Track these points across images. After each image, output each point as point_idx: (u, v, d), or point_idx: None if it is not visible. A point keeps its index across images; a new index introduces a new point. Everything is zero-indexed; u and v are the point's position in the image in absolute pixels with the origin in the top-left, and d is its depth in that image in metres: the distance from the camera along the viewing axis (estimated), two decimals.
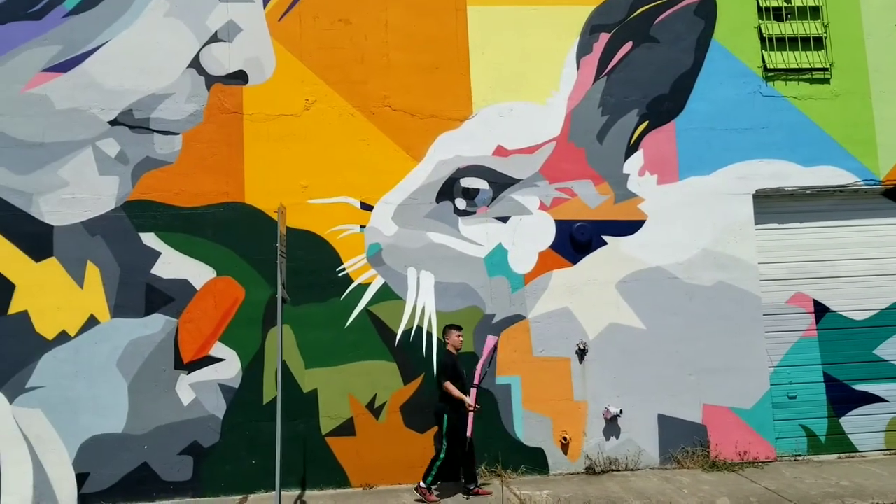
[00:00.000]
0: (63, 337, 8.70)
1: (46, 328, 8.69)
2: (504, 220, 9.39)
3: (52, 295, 8.72)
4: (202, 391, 8.82)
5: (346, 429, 8.95)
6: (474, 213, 9.36)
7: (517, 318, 9.29)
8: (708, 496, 7.85)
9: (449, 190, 9.35)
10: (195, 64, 9.17)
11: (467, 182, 9.39)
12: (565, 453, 9.20)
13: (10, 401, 8.59)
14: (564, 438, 9.17)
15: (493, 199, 9.40)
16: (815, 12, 10.12)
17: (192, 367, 8.84)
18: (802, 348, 9.83)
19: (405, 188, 9.32)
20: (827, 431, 9.74)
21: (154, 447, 8.69)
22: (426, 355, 9.12)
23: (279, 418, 7.69)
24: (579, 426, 9.25)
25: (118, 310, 8.80)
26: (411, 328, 9.14)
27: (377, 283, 9.15)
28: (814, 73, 9.98)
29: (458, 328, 8.61)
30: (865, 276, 10.01)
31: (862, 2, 10.15)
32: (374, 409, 9.00)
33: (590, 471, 9.14)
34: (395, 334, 9.13)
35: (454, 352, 8.50)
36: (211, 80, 9.18)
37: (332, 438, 8.93)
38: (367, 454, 8.93)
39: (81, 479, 8.59)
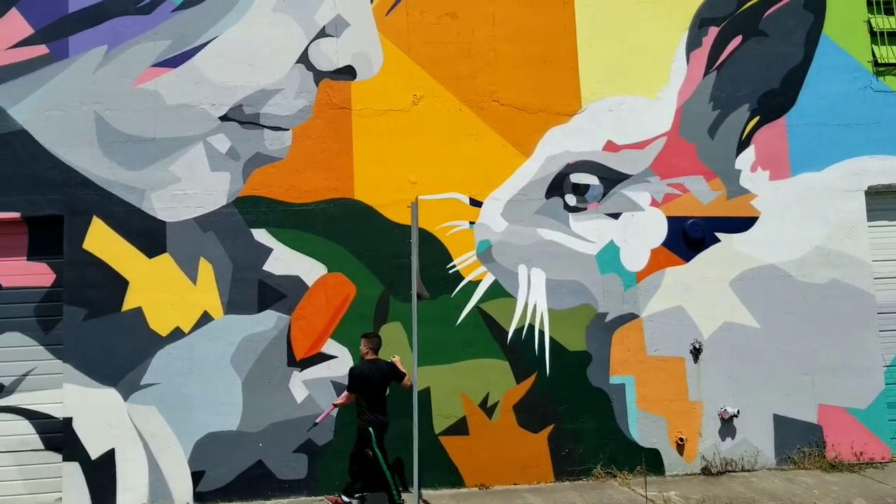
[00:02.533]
0: (177, 333, 9.05)
1: (160, 325, 9.05)
2: (615, 216, 9.69)
3: (165, 291, 9.08)
4: (315, 388, 9.15)
5: (460, 428, 9.26)
6: (585, 209, 9.67)
7: (630, 317, 9.58)
8: (842, 497, 8.11)
9: (559, 186, 9.67)
10: (303, 59, 9.53)
11: (577, 178, 9.70)
12: (681, 454, 9.48)
13: (125, 398, 8.93)
14: (680, 439, 9.45)
15: (604, 195, 9.71)
16: None
17: (304, 363, 9.17)
18: None
19: (514, 184, 9.64)
20: None
21: (268, 445, 9.02)
22: (538, 354, 9.43)
23: (416, 415, 8.03)
24: (695, 426, 9.54)
25: (231, 306, 9.14)
26: (523, 326, 9.45)
27: (488, 280, 9.47)
28: None
29: (365, 336, 8.61)
30: None
31: None
32: (487, 409, 9.31)
33: (706, 472, 9.41)
34: (507, 332, 9.43)
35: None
36: (319, 76, 9.54)
37: (445, 437, 9.24)
38: (480, 454, 9.23)
39: (197, 477, 8.91)
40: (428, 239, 9.42)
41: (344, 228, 9.37)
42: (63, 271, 9.03)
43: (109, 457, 8.88)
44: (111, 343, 8.96)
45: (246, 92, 9.42)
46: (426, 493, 9.04)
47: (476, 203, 9.56)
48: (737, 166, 9.92)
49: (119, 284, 9.05)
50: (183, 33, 9.43)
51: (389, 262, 9.35)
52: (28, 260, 9.19)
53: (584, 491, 8.78)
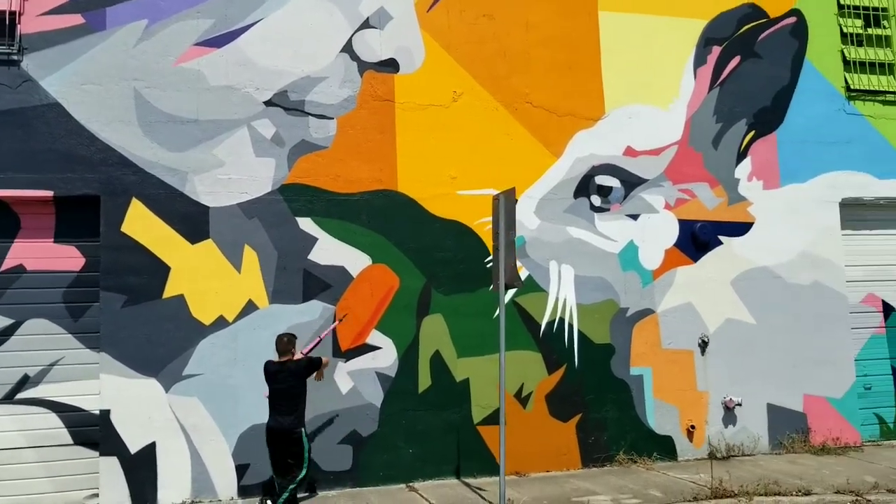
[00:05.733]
0: (221, 322, 8.79)
1: (204, 313, 8.75)
2: (634, 217, 10.31)
3: (209, 279, 8.79)
4: (360, 379, 9.15)
5: (496, 418, 9.46)
6: (608, 209, 10.23)
7: (647, 312, 10.23)
8: (852, 475, 8.99)
9: (585, 187, 10.17)
10: (348, 49, 9.50)
11: (601, 180, 10.25)
12: (690, 440, 10.21)
13: (167, 389, 8.57)
14: (691, 426, 10.19)
15: (625, 197, 10.31)
16: (888, 41, 11.75)
17: (349, 354, 9.16)
18: (874, 343, 11.35)
19: (546, 183, 10.05)
20: (895, 419, 11.31)
21: (314, 436, 8.91)
22: (568, 346, 9.88)
23: (502, 402, 8.20)
24: (702, 415, 10.31)
25: (276, 295, 8.98)
26: (554, 319, 9.88)
27: (522, 274, 9.81)
28: (887, 95, 11.57)
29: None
30: None
31: None
32: (522, 399, 9.66)
33: (712, 456, 10.15)
34: (540, 325, 9.82)
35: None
36: (363, 66, 9.54)
37: (483, 427, 9.49)
38: (516, 443, 9.49)
39: (241, 470, 8.69)
40: (467, 233, 9.67)
41: (388, 220, 9.42)
42: (99, 255, 8.53)
43: (150, 451, 8.50)
44: (152, 332, 8.58)
45: (291, 78, 9.27)
46: (467, 481, 9.24)
47: None
48: (736, 175, 10.80)
49: (160, 270, 8.68)
50: (227, 14, 9.16)
51: (431, 255, 9.51)
52: (55, 242, 8.62)
53: (622, 476, 9.27)
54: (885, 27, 11.68)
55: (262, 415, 8.64)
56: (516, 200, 8.26)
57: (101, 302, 8.45)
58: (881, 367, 11.35)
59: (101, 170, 8.58)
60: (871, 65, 11.58)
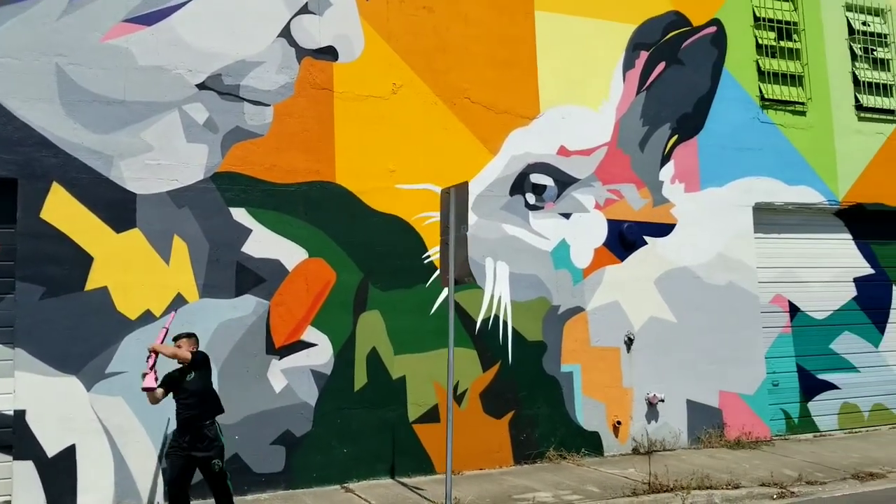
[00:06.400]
0: (147, 317, 8.27)
1: (129, 307, 8.21)
2: (567, 216, 10.38)
3: (135, 270, 8.26)
4: (294, 377, 8.82)
5: (432, 415, 9.38)
6: (542, 208, 10.25)
7: (578, 310, 10.31)
8: (773, 467, 9.35)
9: (520, 184, 10.16)
10: (286, 34, 9.13)
11: (536, 178, 10.26)
12: (616, 436, 10.37)
13: (88, 388, 8.00)
14: (617, 422, 10.35)
15: (558, 195, 10.36)
16: (798, 53, 12.30)
17: (283, 351, 8.80)
18: (781, 342, 11.86)
19: (483, 180, 9.97)
20: (799, 414, 11.85)
21: (245, 437, 8.52)
22: (502, 343, 9.84)
23: (450, 401, 8.03)
24: (627, 411, 10.49)
25: (207, 289, 8.53)
26: (489, 316, 9.81)
27: None
28: (796, 105, 12.11)
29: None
30: (823, 282, 12.30)
31: (827, 48, 12.46)
32: (457, 396, 9.54)
33: (636, 452, 10.36)
34: (476, 322, 9.74)
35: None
36: (301, 53, 9.20)
37: (418, 425, 9.32)
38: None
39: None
40: (405, 228, 9.49)
41: (325, 213, 9.12)
42: (15, 243, 7.87)
43: (69, 454, 7.91)
44: (72, 326, 7.98)
45: (225, 61, 8.84)
46: (402, 480, 9.06)
47: None
48: (660, 178, 11.04)
49: (82, 260, 8.10)
50: None
51: (369, 249, 9.27)
52: None
53: (556, 472, 9.29)
54: (795, 41, 12.18)
55: None
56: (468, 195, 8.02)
57: (16, 293, 7.80)
58: (787, 364, 11.85)
59: (19, 151, 7.91)
60: (783, 76, 12.05)
